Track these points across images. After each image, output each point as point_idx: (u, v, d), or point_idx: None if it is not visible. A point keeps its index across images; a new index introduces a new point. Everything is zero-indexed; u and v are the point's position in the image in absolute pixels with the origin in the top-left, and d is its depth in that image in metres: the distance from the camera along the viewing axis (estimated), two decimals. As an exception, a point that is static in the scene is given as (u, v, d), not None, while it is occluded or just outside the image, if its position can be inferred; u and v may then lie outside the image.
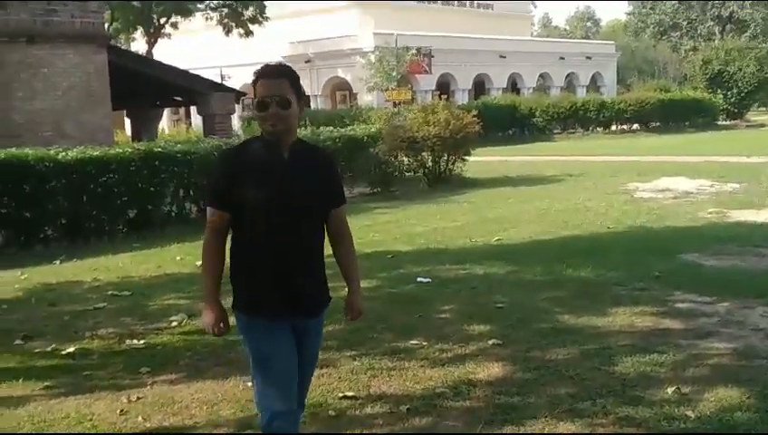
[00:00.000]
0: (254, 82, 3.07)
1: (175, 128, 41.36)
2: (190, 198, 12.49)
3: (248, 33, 34.85)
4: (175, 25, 34.87)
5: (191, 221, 12.37)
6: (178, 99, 19.63)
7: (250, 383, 4.86)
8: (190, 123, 41.07)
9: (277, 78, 3.06)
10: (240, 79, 41.10)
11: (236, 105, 18.29)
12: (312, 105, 40.47)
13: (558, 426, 4.04)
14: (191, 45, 41.81)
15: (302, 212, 3.09)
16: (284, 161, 3.08)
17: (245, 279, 3.12)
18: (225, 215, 3.09)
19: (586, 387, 4.55)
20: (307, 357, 3.29)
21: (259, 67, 3.12)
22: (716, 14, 64.42)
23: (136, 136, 18.47)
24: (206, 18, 35.79)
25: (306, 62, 40.89)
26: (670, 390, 4.42)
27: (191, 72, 18.85)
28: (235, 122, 28.24)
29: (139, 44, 37.56)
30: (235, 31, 34.98)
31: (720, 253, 8.40)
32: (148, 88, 16.93)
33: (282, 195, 3.04)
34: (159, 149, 11.78)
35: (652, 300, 6.46)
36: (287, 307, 3.11)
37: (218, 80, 26.77)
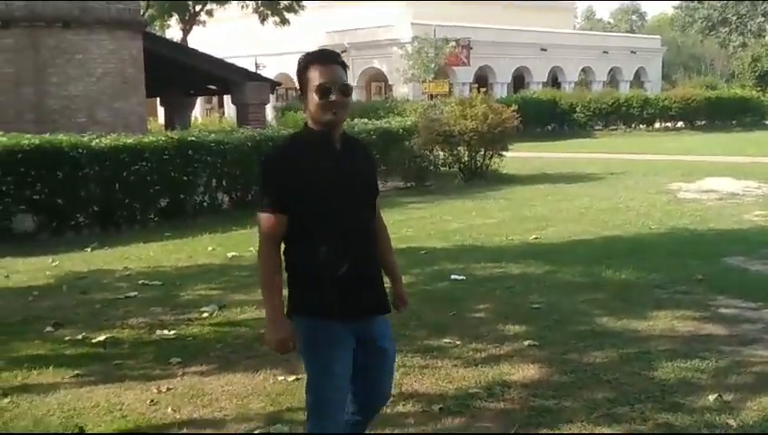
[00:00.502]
0: (305, 68, 2.94)
1: (208, 117, 41.63)
2: (223, 188, 12.51)
3: (284, 22, 34.82)
4: (210, 13, 35.06)
5: (223, 212, 12.40)
6: (213, 87, 19.64)
7: (281, 377, 4.84)
8: (223, 112, 41.31)
9: (334, 63, 2.95)
10: (275, 68, 41.31)
11: (270, 95, 18.25)
12: (348, 96, 40.49)
13: (595, 431, 3.92)
14: (226, 33, 42.04)
15: (363, 203, 3.02)
16: (338, 152, 2.97)
17: (314, 280, 2.93)
18: (285, 218, 2.90)
19: (624, 392, 4.42)
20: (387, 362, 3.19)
21: (307, 52, 3.01)
22: (767, 9, 63.07)
23: (169, 124, 18.56)
24: (242, 6, 35.85)
25: (342, 52, 40.70)
26: (711, 397, 4.28)
27: (225, 60, 18.86)
28: (269, 112, 28.33)
29: (173, 31, 37.75)
30: (271, 19, 34.95)
31: (766, 257, 8.16)
32: (182, 76, 16.96)
33: (343, 187, 2.94)
34: (193, 138, 11.79)
35: (694, 304, 6.28)
36: (360, 305, 2.99)
37: (253, 69, 26.82)
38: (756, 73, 41.84)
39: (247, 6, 35.65)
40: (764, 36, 58.88)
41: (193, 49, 19.15)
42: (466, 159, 16.95)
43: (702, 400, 4.27)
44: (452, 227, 10.88)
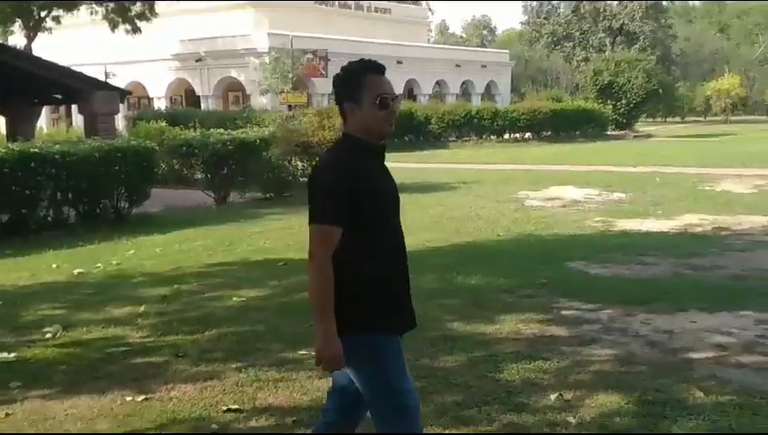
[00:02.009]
0: (360, 77, 2.83)
1: (54, 127, 39.63)
2: (69, 201, 11.90)
3: (135, 30, 33.72)
4: (57, 19, 33.40)
5: (69, 226, 11.83)
6: (59, 97, 18.70)
7: (129, 398, 4.68)
8: (71, 122, 39.42)
9: (385, 74, 2.87)
10: (126, 77, 39.92)
11: (121, 105, 17.58)
12: (203, 105, 39.68)
13: (444, 433, 4.03)
14: (74, 41, 40.18)
15: (398, 211, 3.01)
16: (381, 164, 2.95)
17: (379, 293, 2.87)
18: (341, 230, 2.76)
19: (472, 394, 4.56)
20: None
21: (357, 60, 2.89)
22: (608, 25, 67.03)
23: (11, 136, 17.50)
24: (91, 12, 34.43)
25: (197, 60, 40.06)
26: (553, 396, 4.50)
27: (73, 68, 18.03)
28: (120, 122, 27.28)
29: (16, 38, 35.76)
30: (122, 27, 33.76)
31: (605, 261, 8.66)
32: (24, 85, 16.05)
33: (394, 201, 2.97)
34: (36, 150, 11.14)
35: (538, 307, 6.58)
36: (408, 320, 3.03)
37: (102, 77, 25.77)
38: (598, 86, 44.24)
39: (97, 13, 34.24)
40: (605, 51, 62.49)
41: (36, 56, 18.13)
42: (325, 169, 16.97)
43: (544, 399, 4.48)
44: (310, 237, 10.86)
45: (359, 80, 2.83)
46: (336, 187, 2.77)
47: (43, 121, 39.60)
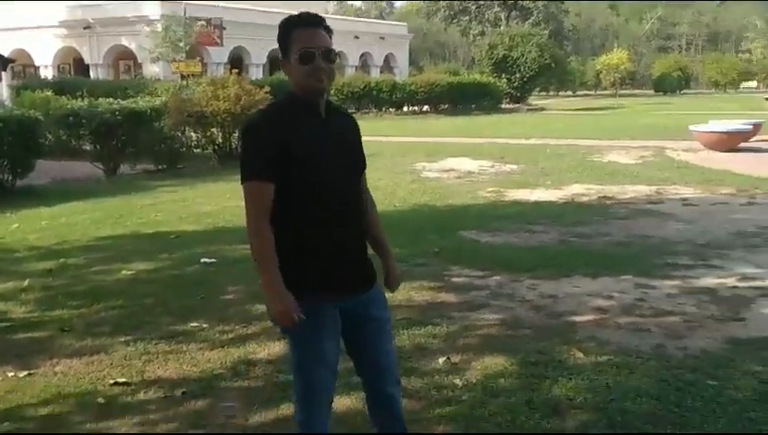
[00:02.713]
0: (287, 33, 2.73)
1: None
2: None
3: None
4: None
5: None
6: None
7: (11, 374, 4.53)
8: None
9: (317, 27, 2.74)
10: (10, 44, 38.01)
11: (3, 72, 16.75)
12: (92, 75, 38.23)
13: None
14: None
15: (351, 174, 2.85)
16: (321, 121, 2.77)
17: (302, 255, 2.73)
18: (271, 187, 2.67)
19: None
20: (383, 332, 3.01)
21: (288, 16, 2.76)
22: (503, 0, 68.02)
23: None
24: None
25: (85, 28, 38.54)
26: (441, 360, 4.61)
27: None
28: (4, 91, 25.98)
29: None
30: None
31: (496, 230, 8.88)
32: None
33: (331, 156, 2.75)
34: None
35: (430, 275, 6.70)
36: (355, 277, 2.84)
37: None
38: (493, 60, 45.05)
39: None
40: (500, 25, 63.54)
41: None
42: (221, 140, 16.73)
43: (433, 363, 4.59)
44: (205, 209, 10.71)
45: (288, 35, 2.75)
46: (264, 142, 2.70)
47: None
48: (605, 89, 68.84)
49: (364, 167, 2.99)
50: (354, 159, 2.89)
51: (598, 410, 3.89)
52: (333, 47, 2.78)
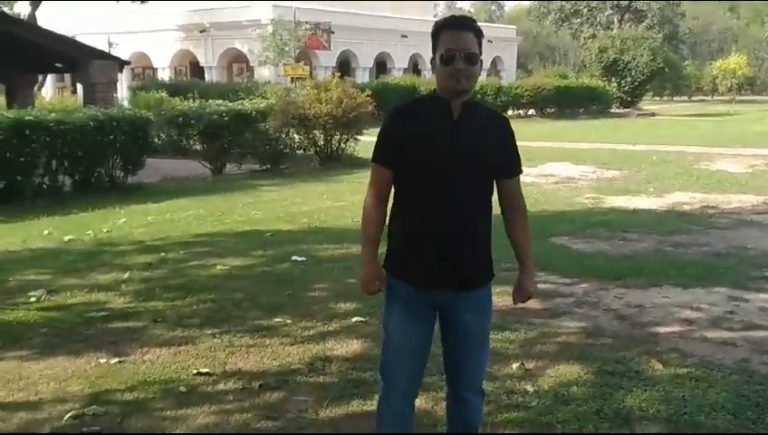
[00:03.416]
0: (435, 34, 2.85)
1: (60, 95, 39.72)
2: (64, 169, 12.02)
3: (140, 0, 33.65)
4: (61, -13, 33.41)
5: (64, 194, 11.97)
6: (58, 66, 18.74)
7: (104, 360, 4.81)
8: (75, 91, 39.54)
9: (464, 29, 2.82)
10: (130, 47, 39.87)
11: (120, 74, 17.62)
12: (207, 77, 39.62)
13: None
14: (79, 9, 40.16)
15: (467, 177, 2.85)
16: (452, 122, 2.84)
17: (399, 241, 2.95)
18: (388, 172, 2.90)
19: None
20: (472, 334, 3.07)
21: (441, 18, 2.93)
22: (616, 2, 66.35)
23: (10, 103, 17.59)
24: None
25: (201, 31, 40.02)
26: (515, 365, 4.61)
27: (76, 37, 18.09)
28: (124, 92, 27.34)
29: (21, 6, 35.77)
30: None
31: (589, 237, 8.74)
32: (22, 53, 16.11)
33: (447, 158, 2.82)
34: (30, 118, 11.26)
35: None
36: (439, 275, 2.89)
37: (106, 46, 25.75)
38: (602, 64, 43.99)
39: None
40: (613, 28, 61.99)
41: (31, 23, 18.12)
42: (322, 142, 17.06)
43: (506, 368, 4.59)
44: (302, 209, 10.98)
45: (436, 36, 2.85)
46: (385, 129, 2.94)
47: (49, 90, 39.76)
48: (722, 94, 66.10)
49: (513, 171, 3.01)
50: (478, 163, 2.87)
51: (669, 422, 3.81)
52: (476, 51, 2.81)
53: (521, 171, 3.03)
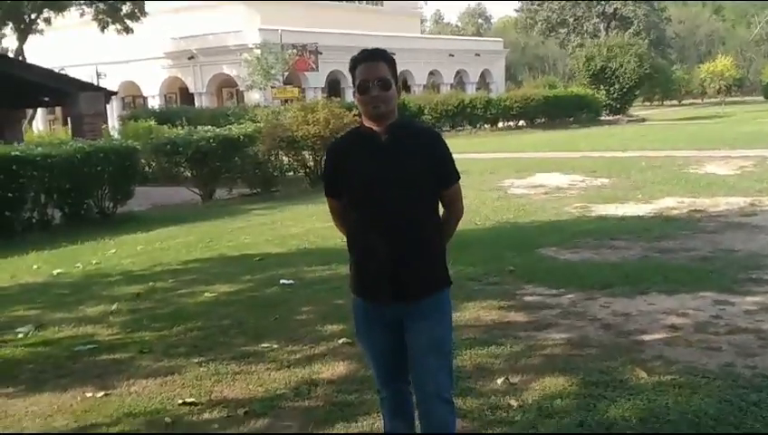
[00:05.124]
0: (353, 68, 3.07)
1: (50, 128, 39.82)
2: (53, 202, 12.04)
3: (126, 30, 33.78)
4: (48, 21, 33.51)
5: (54, 227, 11.98)
6: (45, 99, 18.83)
7: (90, 394, 4.81)
8: (66, 122, 39.71)
9: (375, 61, 3.05)
10: (119, 77, 40.06)
11: (108, 105, 17.69)
12: (197, 103, 39.74)
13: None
14: (66, 42, 40.33)
15: (403, 194, 3.03)
16: (381, 144, 3.05)
17: (353, 261, 3.19)
18: (337, 202, 3.20)
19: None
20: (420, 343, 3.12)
21: (356, 53, 3.10)
22: (601, 10, 66.62)
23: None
24: (81, 14, 34.55)
25: (189, 58, 40.20)
26: (500, 380, 4.61)
27: (62, 70, 18.21)
28: (115, 122, 27.38)
29: (9, 41, 35.93)
30: (112, 27, 33.81)
31: (576, 246, 8.75)
32: (9, 88, 16.18)
33: (380, 179, 3.03)
34: (17, 153, 11.29)
35: (502, 294, 6.68)
36: (385, 289, 3.07)
37: (94, 78, 25.84)
38: (590, 72, 44.10)
39: (88, 14, 34.35)
40: (599, 36, 62.23)
41: (17, 59, 18.22)
42: (311, 163, 17.11)
43: (491, 383, 4.59)
44: (291, 232, 10.99)
45: (353, 70, 3.08)
46: (327, 165, 3.28)
47: (40, 124, 39.88)
48: (711, 97, 66.33)
49: (450, 180, 3.16)
50: (413, 177, 3.04)
51: (652, 430, 3.81)
52: (389, 77, 3.03)
53: (458, 178, 3.19)
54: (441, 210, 3.25)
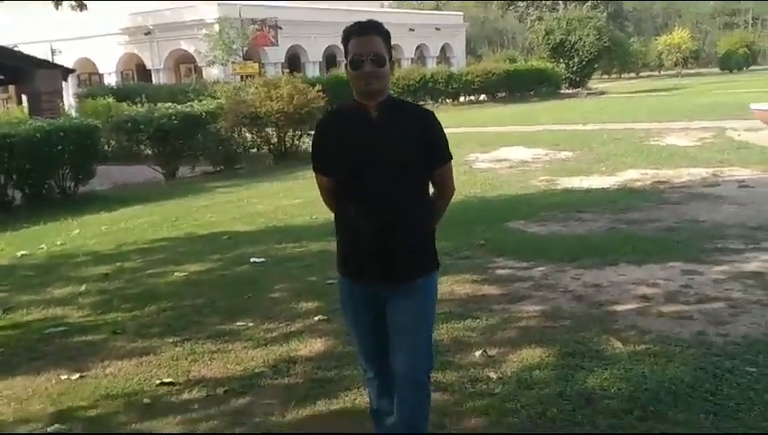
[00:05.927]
0: (345, 40, 2.95)
1: (4, 107, 38.84)
2: (13, 183, 11.79)
3: (81, 7, 32.93)
4: (1, -3, 32.63)
5: (14, 208, 11.75)
6: (0, 77, 18.39)
7: (65, 377, 4.75)
8: (20, 101, 38.78)
9: (370, 34, 2.92)
10: (75, 53, 39.17)
11: (65, 82, 17.32)
12: (155, 80, 39.08)
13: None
14: (21, 19, 39.29)
15: (392, 173, 2.93)
16: (372, 121, 2.94)
17: (339, 240, 3.13)
18: (325, 177, 3.10)
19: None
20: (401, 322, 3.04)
21: (350, 24, 2.97)
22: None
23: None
24: (34, -11, 33.71)
25: (146, 33, 39.45)
26: (478, 353, 4.65)
27: (17, 47, 17.75)
28: (72, 100, 26.86)
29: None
30: (66, 3, 32.97)
31: (544, 219, 8.82)
32: (-40, 65, 15.80)
33: (369, 157, 2.93)
34: (-28, 134, 11.04)
35: (474, 268, 6.72)
36: (372, 269, 3.00)
37: (48, 55, 25.29)
38: (550, 45, 44.32)
39: (40, -11, 33.50)
40: (558, 10, 62.40)
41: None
42: (275, 140, 16.98)
43: (469, 356, 4.63)
44: (258, 209, 10.91)
45: (346, 43, 2.96)
46: (316, 140, 3.14)
47: (-8, 102, 38.86)
48: (668, 69, 67.16)
49: (441, 160, 3.05)
50: (403, 156, 2.94)
51: (631, 399, 3.88)
52: (383, 53, 2.92)
53: (450, 159, 3.09)
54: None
